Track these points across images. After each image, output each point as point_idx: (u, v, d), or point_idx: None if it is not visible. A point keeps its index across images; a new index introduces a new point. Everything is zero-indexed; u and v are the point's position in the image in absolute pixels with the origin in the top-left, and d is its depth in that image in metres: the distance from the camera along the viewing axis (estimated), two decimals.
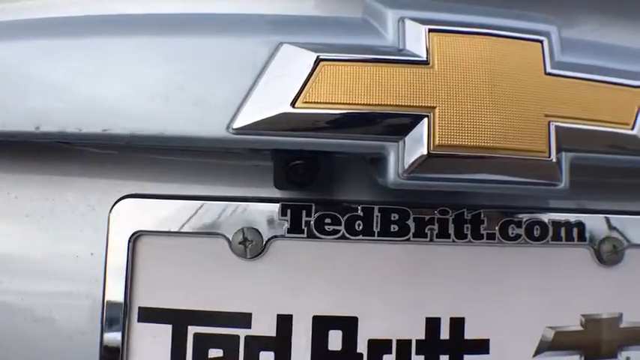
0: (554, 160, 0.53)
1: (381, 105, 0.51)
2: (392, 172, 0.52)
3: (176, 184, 0.61)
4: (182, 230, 0.60)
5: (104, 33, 0.53)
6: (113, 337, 0.60)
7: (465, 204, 0.63)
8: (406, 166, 0.51)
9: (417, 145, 0.51)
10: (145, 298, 0.60)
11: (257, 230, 0.60)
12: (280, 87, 0.51)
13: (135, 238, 0.60)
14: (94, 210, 0.61)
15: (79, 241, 0.61)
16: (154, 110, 0.51)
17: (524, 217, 0.64)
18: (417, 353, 0.60)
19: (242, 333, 0.59)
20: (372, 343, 0.60)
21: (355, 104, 0.51)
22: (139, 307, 0.60)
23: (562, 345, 0.65)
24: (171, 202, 0.60)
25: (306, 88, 0.51)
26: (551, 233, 0.64)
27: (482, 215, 0.63)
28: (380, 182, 0.54)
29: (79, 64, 0.52)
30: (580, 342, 0.65)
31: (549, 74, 0.54)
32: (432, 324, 0.61)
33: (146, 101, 0.51)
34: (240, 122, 0.51)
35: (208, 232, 0.60)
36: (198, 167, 0.62)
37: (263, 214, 0.60)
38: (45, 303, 0.60)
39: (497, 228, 0.63)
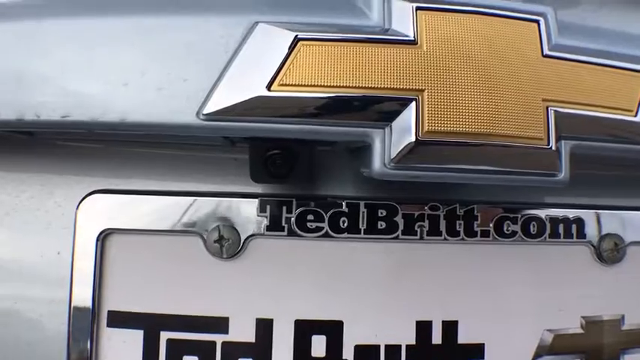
0: (553, 148, 0.48)
1: (365, 88, 0.45)
2: (377, 162, 0.46)
3: (147, 179, 0.55)
4: (154, 228, 0.54)
5: (60, 14, 0.47)
6: (81, 343, 0.53)
7: (457, 199, 0.57)
8: (393, 155, 0.45)
9: (404, 131, 0.45)
10: (114, 302, 0.54)
11: (234, 228, 0.53)
12: (255, 69, 0.45)
13: (103, 236, 0.54)
14: (61, 206, 0.55)
15: (44, 239, 0.54)
16: (114, 95, 0.45)
17: (521, 212, 0.58)
18: (408, 359, 0.54)
19: (219, 339, 0.53)
20: (359, 349, 0.54)
21: (337, 87, 0.45)
22: (109, 311, 0.54)
23: (562, 349, 0.58)
24: (142, 198, 0.54)
25: (283, 70, 0.45)
26: (548, 230, 0.58)
27: (475, 211, 0.57)
28: (365, 173, 0.48)
29: (34, 48, 0.46)
30: (580, 346, 0.59)
31: (547, 56, 0.49)
32: (423, 328, 0.55)
33: (106, 86, 0.45)
34: (211, 107, 0.45)
35: (182, 230, 0.54)
36: (170, 160, 0.55)
37: (240, 210, 0.54)
38: (6, 306, 0.54)
39: (491, 224, 0.57)
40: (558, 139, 0.48)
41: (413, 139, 0.45)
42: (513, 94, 0.47)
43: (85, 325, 0.53)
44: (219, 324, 0.53)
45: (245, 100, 0.45)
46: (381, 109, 0.45)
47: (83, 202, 0.54)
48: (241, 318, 0.53)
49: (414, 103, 0.45)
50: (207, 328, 0.53)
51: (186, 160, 0.55)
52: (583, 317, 0.59)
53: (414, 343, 0.54)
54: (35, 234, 0.55)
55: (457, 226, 0.56)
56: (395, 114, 0.45)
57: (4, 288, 0.54)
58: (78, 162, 0.56)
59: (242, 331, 0.53)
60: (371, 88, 0.45)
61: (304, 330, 0.53)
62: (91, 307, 0.53)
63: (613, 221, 0.60)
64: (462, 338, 0.55)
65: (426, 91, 0.45)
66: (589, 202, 0.61)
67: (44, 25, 0.47)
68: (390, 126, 0.45)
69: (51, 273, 0.54)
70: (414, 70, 0.45)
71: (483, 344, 0.56)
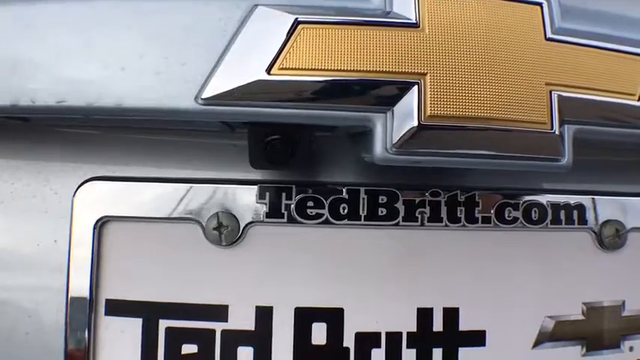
0: (556, 132, 0.46)
1: (367, 72, 0.43)
2: (379, 147, 0.44)
3: (145, 166, 0.54)
4: (152, 216, 0.52)
5: None
6: (78, 332, 0.52)
7: (458, 185, 0.55)
8: (395, 140, 0.44)
9: (406, 116, 0.44)
10: (112, 290, 0.52)
11: (233, 215, 0.52)
12: (254, 53, 0.43)
13: (100, 224, 0.52)
14: (57, 194, 0.53)
15: (40, 228, 0.53)
16: (110, 80, 0.44)
17: (522, 199, 0.57)
18: (409, 346, 0.53)
19: (218, 327, 0.52)
20: (360, 336, 0.53)
21: (337, 71, 0.43)
22: (106, 300, 0.52)
23: (563, 335, 0.58)
24: (140, 185, 0.53)
25: (283, 53, 0.43)
26: (550, 216, 0.57)
27: (476, 197, 0.55)
28: (366, 159, 0.47)
29: (28, 33, 0.45)
30: (581, 332, 0.58)
31: (550, 40, 0.47)
32: (424, 315, 0.53)
33: (102, 70, 0.44)
34: (209, 92, 0.43)
35: (180, 218, 0.52)
36: (168, 147, 0.54)
37: (239, 197, 0.52)
38: (2, 296, 0.52)
39: (492, 211, 0.56)
40: (562, 123, 0.47)
41: (415, 123, 0.44)
42: (517, 78, 0.45)
43: (82, 314, 0.52)
44: (219, 312, 0.52)
45: (244, 85, 0.43)
46: (382, 93, 0.44)
47: (80, 189, 0.53)
48: (241, 306, 0.52)
49: (416, 87, 0.44)
50: (206, 316, 0.52)
51: (184, 147, 0.54)
52: (584, 303, 0.58)
53: (415, 330, 0.53)
54: (31, 222, 0.53)
55: (458, 213, 0.55)
56: (397, 98, 0.44)
57: (1, 277, 0.53)
58: (74, 148, 0.54)
59: (242, 319, 0.52)
60: (372, 71, 0.43)
61: (304, 317, 0.52)
62: (88, 295, 0.52)
63: (614, 207, 0.59)
64: (463, 325, 0.54)
65: (429, 74, 0.44)
66: (590, 188, 0.60)
67: (39, 9, 0.45)
68: (392, 110, 0.44)
69: (48, 261, 0.53)
70: (416, 54, 0.44)
71: (484, 331, 0.55)
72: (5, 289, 0.53)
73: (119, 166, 0.54)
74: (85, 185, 0.53)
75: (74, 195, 0.53)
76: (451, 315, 0.54)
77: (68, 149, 0.54)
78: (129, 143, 0.54)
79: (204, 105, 0.43)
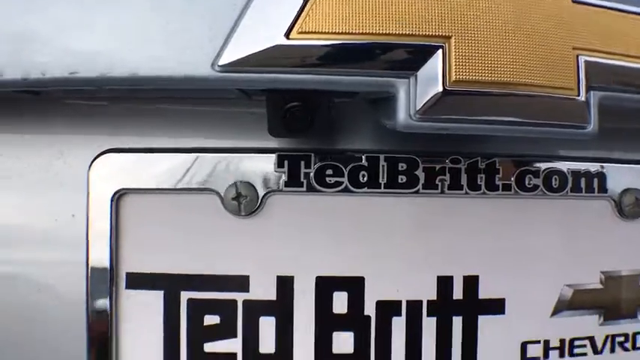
0: (583, 98, 0.45)
1: (389, 35, 0.41)
2: (402, 113, 0.43)
3: (161, 137, 0.52)
4: (170, 187, 0.51)
5: None
6: (100, 306, 0.51)
7: (479, 152, 0.54)
8: (418, 106, 0.42)
9: (430, 81, 0.42)
10: (132, 263, 0.52)
11: (251, 184, 0.51)
12: (272, 16, 0.41)
13: (118, 197, 0.51)
14: (72, 167, 0.52)
15: (57, 202, 0.52)
16: (123, 49, 0.42)
17: (542, 166, 0.55)
18: (429, 315, 0.52)
19: (239, 297, 0.51)
20: (381, 305, 0.52)
21: (359, 34, 0.41)
22: (127, 273, 0.52)
23: (581, 304, 0.57)
24: (156, 156, 0.51)
25: (302, 16, 0.41)
26: (570, 184, 0.56)
27: (497, 164, 0.54)
28: (388, 126, 0.45)
29: (36, 5, 0.43)
30: (599, 301, 0.57)
31: (578, 2, 0.45)
32: (444, 283, 0.53)
33: (114, 39, 0.42)
34: (226, 58, 0.41)
35: (199, 188, 0.51)
36: (185, 117, 0.53)
37: (258, 166, 0.51)
38: (23, 272, 0.52)
39: (513, 178, 0.54)
40: (588, 89, 0.45)
41: (440, 89, 0.42)
42: (543, 43, 0.43)
43: (103, 288, 0.51)
44: (240, 282, 0.51)
45: (262, 50, 0.41)
46: (405, 57, 0.42)
47: (95, 162, 0.52)
48: (262, 276, 0.51)
49: (440, 51, 0.42)
50: (227, 286, 0.51)
51: (200, 116, 0.53)
52: (602, 272, 0.57)
53: (435, 298, 0.52)
54: (48, 196, 0.52)
55: (478, 180, 0.53)
56: (420, 63, 0.42)
57: (20, 253, 0.52)
58: (88, 121, 0.53)
59: (263, 289, 0.51)
60: (395, 35, 0.41)
61: (325, 286, 0.51)
62: (108, 269, 0.51)
63: (634, 176, 0.58)
64: (483, 293, 0.53)
65: (453, 38, 0.42)
66: (611, 156, 0.58)
67: None
68: (415, 75, 0.42)
69: (66, 236, 0.52)
70: (441, 16, 0.42)
71: (504, 299, 0.54)
72: (25, 264, 0.52)
73: (134, 138, 0.53)
74: (100, 158, 0.52)
75: (89, 168, 0.52)
76: (471, 283, 0.53)
77: (81, 122, 0.53)
78: (143, 114, 0.53)
79: (220, 72, 0.42)
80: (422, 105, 0.42)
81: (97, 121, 0.53)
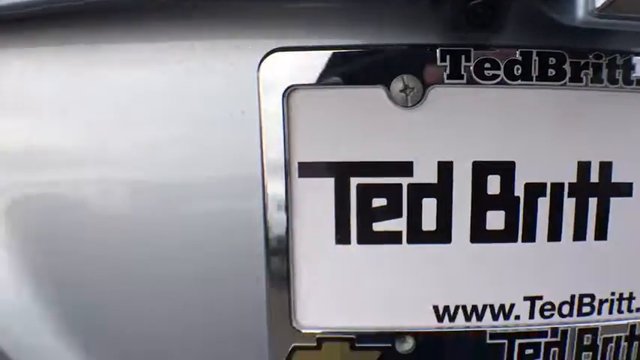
0: None
1: None
2: (581, 10, 0.46)
3: (329, 35, 0.55)
4: (338, 82, 0.55)
5: None
6: (277, 194, 0.56)
7: (617, 49, 0.57)
8: (598, 4, 0.45)
9: None
10: (304, 153, 0.56)
11: (417, 77, 0.54)
12: None
13: (288, 93, 0.55)
14: (240, 67, 0.55)
15: (230, 100, 0.56)
16: None
17: None
18: (569, 196, 0.57)
19: (404, 181, 0.56)
20: (529, 186, 0.57)
21: None
22: (299, 163, 0.56)
23: None
24: (325, 53, 0.55)
25: None
26: None
27: (632, 60, 0.57)
28: (564, 21, 0.48)
29: None
30: None
31: None
32: (583, 167, 0.57)
33: None
34: None
35: (366, 82, 0.55)
36: (351, 14, 0.55)
37: (422, 60, 0.54)
38: (203, 165, 0.57)
39: None
40: None
41: None
42: None
43: (278, 178, 0.56)
44: (405, 168, 0.56)
45: None
46: None
47: (264, 60, 0.55)
48: (424, 161, 0.56)
49: None
50: (393, 172, 0.56)
51: (367, 14, 0.55)
52: None
53: (575, 181, 0.57)
54: (220, 95, 0.56)
55: (617, 75, 0.57)
56: None
57: (194, 151, 0.57)
58: (254, 22, 0.56)
59: (425, 174, 0.56)
60: None
61: (481, 170, 0.56)
62: (282, 160, 0.56)
63: None
64: (616, 177, 0.58)
65: None
66: None
67: None
68: None
69: (238, 131, 0.56)
70: None
71: (632, 183, 0.59)
72: (204, 159, 0.57)
73: (301, 37, 0.55)
74: (269, 56, 0.55)
75: (259, 67, 0.55)
76: (606, 168, 0.58)
77: (248, 23, 0.56)
78: (308, 13, 0.55)
79: None
80: (602, 3, 0.45)
81: (263, 21, 0.56)
